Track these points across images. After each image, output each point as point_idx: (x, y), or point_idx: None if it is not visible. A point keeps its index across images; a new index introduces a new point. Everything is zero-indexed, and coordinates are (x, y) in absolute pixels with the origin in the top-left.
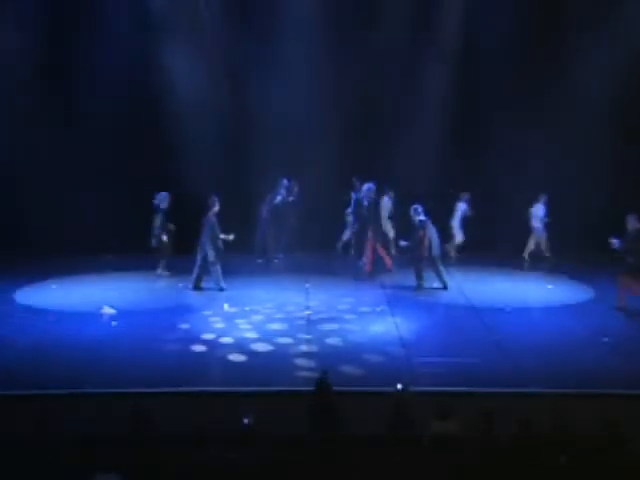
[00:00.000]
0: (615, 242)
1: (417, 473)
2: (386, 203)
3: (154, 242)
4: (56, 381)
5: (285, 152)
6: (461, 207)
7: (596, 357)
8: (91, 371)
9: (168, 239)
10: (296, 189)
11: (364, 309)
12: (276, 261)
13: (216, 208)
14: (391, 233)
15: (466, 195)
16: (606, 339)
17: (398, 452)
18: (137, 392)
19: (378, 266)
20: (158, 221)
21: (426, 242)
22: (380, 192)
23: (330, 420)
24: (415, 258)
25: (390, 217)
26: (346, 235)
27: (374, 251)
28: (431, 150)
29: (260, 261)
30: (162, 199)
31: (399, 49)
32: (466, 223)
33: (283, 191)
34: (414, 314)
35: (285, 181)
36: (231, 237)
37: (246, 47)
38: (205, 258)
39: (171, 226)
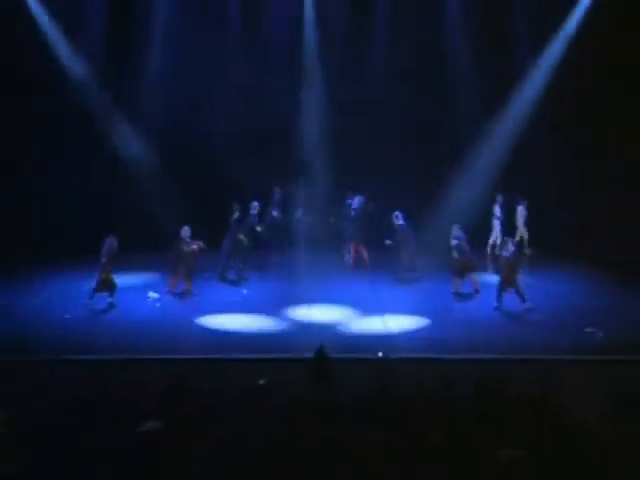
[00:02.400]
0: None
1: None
2: (521, 211)
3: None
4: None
5: (286, 157)
6: None
7: None
8: (139, 341)
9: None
10: (293, 192)
11: (357, 297)
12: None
13: (237, 214)
14: (525, 236)
15: None
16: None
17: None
18: (174, 358)
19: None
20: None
21: (404, 243)
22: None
23: (326, 381)
24: (398, 255)
25: (526, 224)
26: (492, 238)
27: (357, 250)
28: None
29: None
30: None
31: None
32: None
33: (278, 200)
34: (396, 298)
35: (278, 190)
36: (244, 238)
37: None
38: (228, 255)
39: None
